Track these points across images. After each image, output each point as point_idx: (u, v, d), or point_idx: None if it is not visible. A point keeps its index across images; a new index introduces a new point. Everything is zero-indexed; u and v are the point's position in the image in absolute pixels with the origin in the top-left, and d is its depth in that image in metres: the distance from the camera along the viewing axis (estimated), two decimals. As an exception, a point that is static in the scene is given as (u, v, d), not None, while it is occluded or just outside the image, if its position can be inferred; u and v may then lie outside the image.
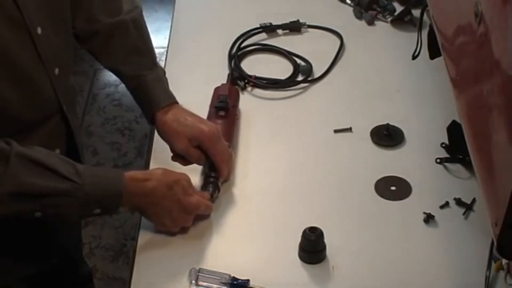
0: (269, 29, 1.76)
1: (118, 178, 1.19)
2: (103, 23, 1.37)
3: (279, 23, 1.78)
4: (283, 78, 1.62)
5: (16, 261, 1.29)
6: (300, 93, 1.61)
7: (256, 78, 1.60)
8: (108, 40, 1.37)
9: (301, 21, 1.78)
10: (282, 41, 1.75)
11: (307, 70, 1.64)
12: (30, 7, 1.12)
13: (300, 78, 1.63)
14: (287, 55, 1.69)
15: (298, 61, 1.67)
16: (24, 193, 1.11)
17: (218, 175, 1.34)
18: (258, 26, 1.76)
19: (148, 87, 1.36)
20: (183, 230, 1.28)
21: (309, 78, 1.63)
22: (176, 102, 1.38)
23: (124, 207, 1.22)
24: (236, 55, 1.68)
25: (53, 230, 1.32)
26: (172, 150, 1.37)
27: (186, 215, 1.27)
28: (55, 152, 1.21)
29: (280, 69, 1.65)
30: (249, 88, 1.61)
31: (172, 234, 1.28)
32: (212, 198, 1.32)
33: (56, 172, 1.12)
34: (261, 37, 1.76)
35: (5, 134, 1.13)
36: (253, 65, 1.66)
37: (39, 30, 1.14)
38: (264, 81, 1.61)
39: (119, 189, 1.18)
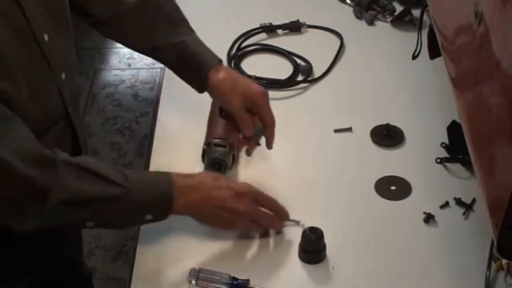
0: (269, 29, 1.76)
1: (166, 179, 1.17)
2: (129, 2, 1.34)
3: (279, 23, 1.78)
4: (283, 78, 1.62)
5: (19, 268, 1.29)
6: (300, 93, 1.61)
7: (256, 78, 1.60)
8: (139, 19, 1.35)
9: (301, 21, 1.78)
10: (282, 41, 1.75)
11: (307, 70, 1.64)
12: (36, 15, 1.10)
13: (300, 78, 1.63)
14: (287, 55, 1.69)
15: (298, 61, 1.67)
16: (75, 200, 1.09)
17: (223, 173, 1.33)
18: (258, 26, 1.76)
19: (194, 50, 1.34)
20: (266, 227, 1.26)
21: (309, 78, 1.63)
22: (221, 60, 1.37)
23: (177, 210, 1.18)
24: (236, 55, 1.68)
25: (57, 241, 1.32)
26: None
27: (245, 202, 1.22)
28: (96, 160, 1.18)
29: (280, 69, 1.65)
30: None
31: (258, 231, 1.27)
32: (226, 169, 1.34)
33: (104, 177, 1.11)
34: (261, 37, 1.76)
35: None
36: (253, 65, 1.66)
37: (46, 37, 1.13)
38: (264, 81, 1.61)
39: (169, 190, 1.16)
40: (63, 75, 1.20)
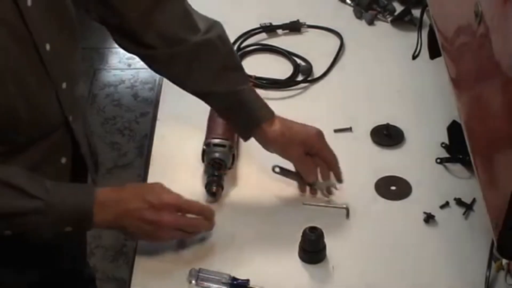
0: (269, 29, 1.76)
1: (88, 194, 1.16)
2: (188, 42, 1.29)
3: (279, 23, 1.78)
4: (283, 78, 1.62)
5: (20, 270, 1.28)
6: (300, 93, 1.61)
7: (256, 78, 1.60)
8: (194, 61, 1.30)
9: (301, 21, 1.78)
10: (282, 41, 1.75)
11: (307, 70, 1.64)
12: (38, 24, 1.09)
13: (300, 78, 1.63)
14: (287, 55, 1.69)
15: (298, 61, 1.67)
16: None
17: (222, 173, 1.36)
18: (258, 26, 1.76)
19: (249, 101, 1.31)
20: (182, 238, 1.26)
21: (309, 78, 1.63)
22: (273, 114, 1.34)
23: (98, 225, 1.16)
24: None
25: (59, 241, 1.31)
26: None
27: (165, 213, 1.19)
28: (22, 170, 1.14)
29: (280, 69, 1.65)
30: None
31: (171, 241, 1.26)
32: (215, 197, 1.34)
33: (23, 191, 1.09)
34: (261, 37, 1.76)
35: (8, 147, 1.12)
36: (253, 65, 1.65)
37: (47, 47, 1.11)
38: (264, 81, 1.61)
39: (89, 205, 1.14)
40: (64, 84, 1.18)
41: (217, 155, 1.35)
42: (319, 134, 1.34)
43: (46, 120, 1.18)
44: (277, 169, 1.36)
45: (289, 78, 1.63)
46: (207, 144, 1.37)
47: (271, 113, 1.33)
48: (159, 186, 1.23)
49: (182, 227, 1.23)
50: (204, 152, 1.37)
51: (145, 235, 1.22)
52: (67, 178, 1.26)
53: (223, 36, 1.33)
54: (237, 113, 1.32)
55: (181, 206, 1.22)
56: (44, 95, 1.15)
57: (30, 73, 1.11)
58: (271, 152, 1.35)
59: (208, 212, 1.25)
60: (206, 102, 1.35)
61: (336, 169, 1.35)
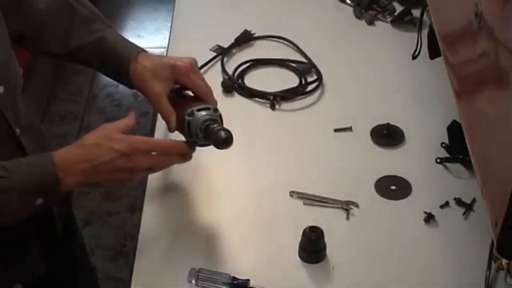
0: (222, 51, 1.69)
1: (47, 160, 1.10)
2: (42, 9, 1.27)
3: (280, 23, 1.77)
4: (286, 85, 1.60)
5: (13, 270, 1.28)
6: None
7: (274, 95, 1.57)
8: (54, 25, 1.28)
9: (301, 21, 1.78)
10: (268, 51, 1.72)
11: (308, 69, 1.64)
12: None
13: (309, 80, 1.61)
14: (287, 64, 1.67)
15: (296, 65, 1.66)
16: None
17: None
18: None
19: (113, 45, 1.27)
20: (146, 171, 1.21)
21: (316, 84, 1.60)
22: (144, 50, 1.28)
23: (68, 187, 1.12)
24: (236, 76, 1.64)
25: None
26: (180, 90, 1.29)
27: (135, 158, 1.15)
28: None
29: (280, 78, 1.64)
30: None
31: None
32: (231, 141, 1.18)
33: None
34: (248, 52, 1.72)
35: None
36: (255, 80, 1.63)
37: None
38: (275, 96, 1.57)
39: (52, 170, 1.09)
40: (1, 88, 1.13)
41: (206, 116, 1.20)
42: (187, 67, 1.25)
43: None
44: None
45: (298, 86, 1.60)
46: (188, 113, 1.21)
47: (137, 50, 1.28)
48: (116, 130, 1.17)
49: (155, 166, 1.19)
50: (189, 124, 1.21)
51: (119, 182, 1.17)
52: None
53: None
54: (109, 59, 1.28)
55: (147, 147, 1.18)
56: None
57: None
58: (139, 91, 1.29)
59: (181, 147, 1.21)
60: (81, 61, 1.31)
61: (207, 99, 1.26)
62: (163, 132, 1.50)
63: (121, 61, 1.27)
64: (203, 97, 1.26)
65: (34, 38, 1.30)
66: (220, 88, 1.58)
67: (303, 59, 1.67)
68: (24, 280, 1.30)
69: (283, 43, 1.74)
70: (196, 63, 1.28)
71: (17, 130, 1.18)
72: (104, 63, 1.29)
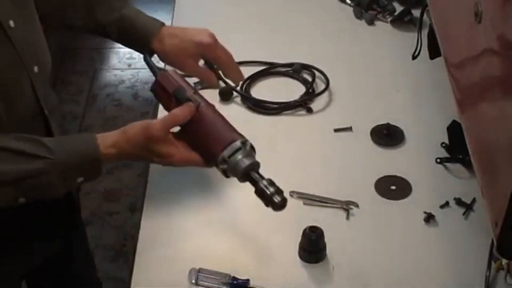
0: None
1: (90, 138, 1.15)
2: None
3: (280, 23, 1.77)
4: (290, 92, 1.58)
5: (16, 257, 1.29)
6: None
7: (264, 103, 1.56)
8: (76, 1, 1.35)
9: (301, 21, 1.78)
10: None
11: (299, 67, 1.63)
12: None
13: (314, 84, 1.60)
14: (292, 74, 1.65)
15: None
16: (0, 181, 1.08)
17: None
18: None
19: (133, 23, 1.33)
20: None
21: (319, 91, 1.58)
22: (163, 24, 1.36)
23: (111, 160, 1.16)
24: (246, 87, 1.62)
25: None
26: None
27: (173, 160, 1.17)
28: (19, 134, 1.13)
29: (284, 87, 1.62)
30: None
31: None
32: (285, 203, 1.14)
33: (24, 153, 1.08)
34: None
35: None
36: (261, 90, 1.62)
37: (11, 23, 1.10)
38: (278, 105, 1.56)
39: (93, 147, 1.13)
40: (36, 68, 1.17)
41: (244, 164, 1.15)
42: (211, 42, 1.33)
43: (19, 104, 1.16)
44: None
45: (305, 94, 1.58)
46: (221, 161, 1.15)
47: (157, 25, 1.34)
48: (160, 130, 1.16)
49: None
50: (225, 172, 1.17)
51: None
52: None
53: None
54: (130, 35, 1.34)
55: (189, 159, 1.19)
56: (17, 77, 1.13)
57: (0, 53, 1.09)
58: (169, 65, 1.37)
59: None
60: (100, 35, 1.37)
61: (231, 72, 1.36)
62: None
63: (143, 38, 1.33)
64: (228, 70, 1.35)
65: (57, 15, 1.36)
66: (218, 97, 1.57)
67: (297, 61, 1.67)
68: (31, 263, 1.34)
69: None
70: (213, 35, 1.34)
71: (46, 111, 1.21)
72: (126, 39, 1.35)
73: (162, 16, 1.39)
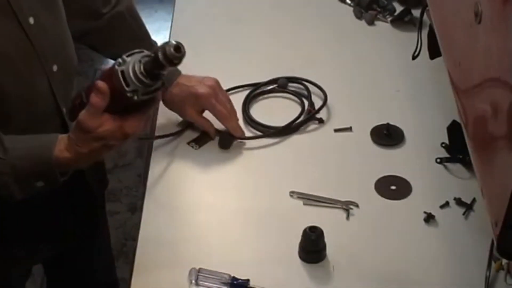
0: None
1: (50, 140, 1.10)
2: (102, 18, 1.37)
3: (280, 23, 1.77)
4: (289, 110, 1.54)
5: (33, 246, 1.30)
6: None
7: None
8: (109, 33, 1.39)
9: (301, 21, 1.78)
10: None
11: (284, 83, 1.58)
12: None
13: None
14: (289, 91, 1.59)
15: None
16: None
17: None
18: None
19: None
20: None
21: (318, 107, 1.53)
22: (180, 73, 1.42)
23: (68, 164, 1.10)
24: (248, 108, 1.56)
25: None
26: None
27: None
28: None
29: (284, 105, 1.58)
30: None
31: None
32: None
33: None
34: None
35: None
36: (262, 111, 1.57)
37: (31, 20, 1.09)
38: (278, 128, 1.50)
39: (47, 150, 1.08)
40: (55, 67, 1.16)
41: (141, 54, 1.05)
42: (208, 95, 1.40)
43: (36, 105, 1.14)
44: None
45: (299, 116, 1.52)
46: (119, 63, 1.05)
47: (175, 77, 1.41)
48: (85, 121, 1.08)
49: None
50: (123, 74, 1.04)
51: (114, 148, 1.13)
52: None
53: (132, 8, 1.42)
54: None
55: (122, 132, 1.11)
56: (33, 76, 1.12)
57: (15, 49, 1.07)
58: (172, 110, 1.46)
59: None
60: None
61: (229, 124, 1.43)
62: (162, 131, 1.50)
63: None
64: (222, 120, 1.42)
65: (95, 38, 1.41)
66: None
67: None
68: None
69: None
70: (218, 84, 1.41)
71: (64, 110, 1.20)
72: None
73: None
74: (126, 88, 1.03)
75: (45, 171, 1.10)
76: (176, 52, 1.00)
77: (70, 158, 1.09)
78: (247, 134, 1.48)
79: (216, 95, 1.41)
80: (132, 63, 1.03)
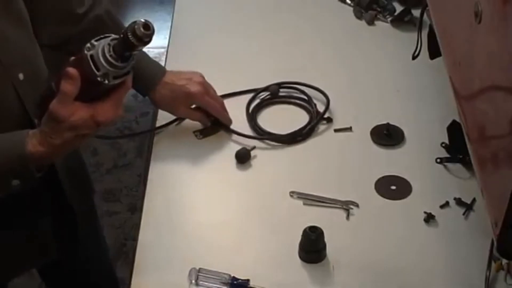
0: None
1: (23, 135, 1.08)
2: (81, 23, 1.35)
3: (280, 23, 1.77)
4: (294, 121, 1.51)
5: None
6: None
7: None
8: (89, 39, 1.32)
9: (300, 21, 1.78)
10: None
11: (275, 90, 1.57)
12: None
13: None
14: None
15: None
16: None
17: None
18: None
19: (139, 67, 1.28)
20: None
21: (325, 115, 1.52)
22: (165, 71, 1.43)
23: (42, 159, 1.09)
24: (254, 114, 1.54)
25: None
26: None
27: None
28: None
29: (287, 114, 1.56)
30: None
31: None
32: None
33: None
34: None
35: None
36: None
37: None
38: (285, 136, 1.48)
39: (20, 145, 1.06)
40: (21, 75, 1.13)
41: (110, 37, 1.03)
42: (201, 91, 1.43)
43: (4, 114, 1.12)
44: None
45: (308, 124, 1.50)
46: (88, 47, 1.03)
47: (157, 76, 1.43)
48: (54, 103, 1.06)
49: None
50: (92, 58, 1.02)
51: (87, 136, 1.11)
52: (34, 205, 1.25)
53: (109, 11, 1.41)
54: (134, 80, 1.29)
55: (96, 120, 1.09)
56: None
57: None
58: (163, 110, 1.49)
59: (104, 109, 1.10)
60: None
61: (222, 117, 1.47)
62: (162, 131, 1.50)
63: (144, 86, 1.43)
64: (217, 116, 1.47)
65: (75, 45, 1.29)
66: (235, 161, 1.46)
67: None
68: (37, 259, 1.36)
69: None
70: (204, 78, 1.45)
71: (35, 120, 1.17)
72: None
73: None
74: (97, 72, 1.01)
75: (20, 168, 1.09)
76: (145, 30, 0.99)
77: (44, 152, 1.08)
78: (254, 142, 1.47)
79: (207, 92, 1.45)
80: (101, 46, 1.02)
